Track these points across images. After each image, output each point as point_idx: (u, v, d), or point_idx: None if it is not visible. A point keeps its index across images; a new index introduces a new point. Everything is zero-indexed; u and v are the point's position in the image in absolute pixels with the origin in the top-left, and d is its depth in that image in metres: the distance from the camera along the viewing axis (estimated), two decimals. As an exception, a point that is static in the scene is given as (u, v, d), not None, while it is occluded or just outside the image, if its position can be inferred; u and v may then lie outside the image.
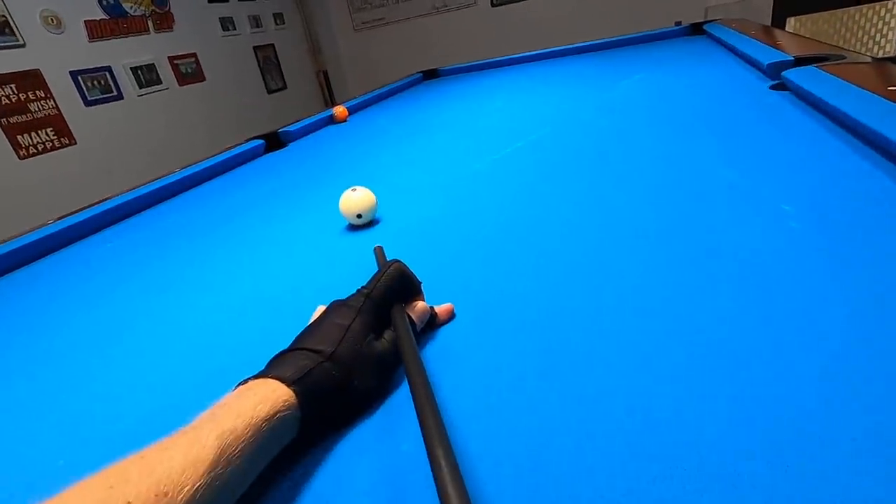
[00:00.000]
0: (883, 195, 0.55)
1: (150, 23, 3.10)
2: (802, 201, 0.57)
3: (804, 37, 1.45)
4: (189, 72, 3.37)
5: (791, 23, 3.89)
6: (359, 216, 0.76)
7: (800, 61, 1.09)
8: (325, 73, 4.79)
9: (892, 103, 0.68)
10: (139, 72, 3.02)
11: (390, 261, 0.45)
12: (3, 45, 2.46)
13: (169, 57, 3.23)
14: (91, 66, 2.77)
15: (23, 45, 2.54)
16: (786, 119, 0.87)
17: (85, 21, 2.75)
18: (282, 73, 4.28)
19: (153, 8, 3.12)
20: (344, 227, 0.80)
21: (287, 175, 1.29)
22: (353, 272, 0.62)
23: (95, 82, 2.79)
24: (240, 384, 0.34)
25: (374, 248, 0.61)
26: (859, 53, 1.05)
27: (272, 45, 4.17)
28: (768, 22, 3.83)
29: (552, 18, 4.30)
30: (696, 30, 2.29)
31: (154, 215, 1.14)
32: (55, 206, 2.55)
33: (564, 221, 0.66)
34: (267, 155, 1.58)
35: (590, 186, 0.77)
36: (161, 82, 3.17)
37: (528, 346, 0.42)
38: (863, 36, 3.80)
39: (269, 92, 4.13)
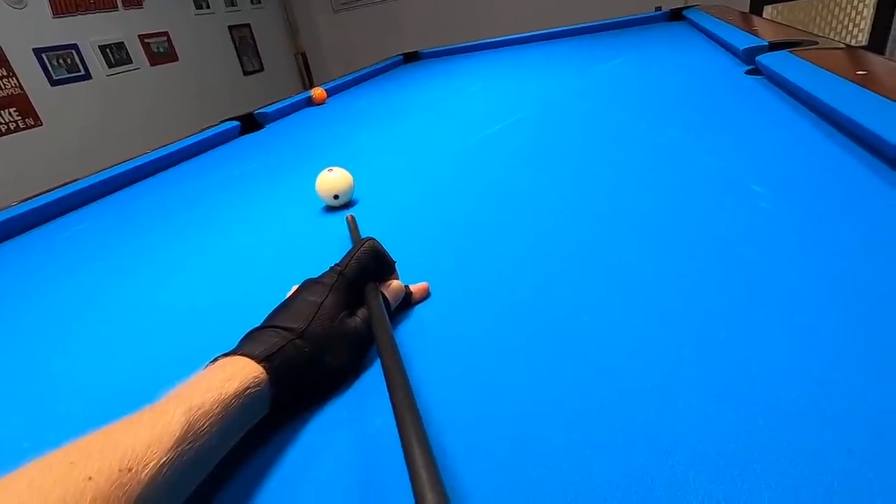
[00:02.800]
0: (848, 175, 0.57)
1: (118, -1, 2.98)
2: (773, 182, 0.59)
3: (780, 23, 1.47)
4: (161, 51, 3.26)
5: (768, 11, 3.93)
6: (335, 197, 0.75)
7: (774, 46, 1.11)
8: (304, 56, 4.68)
9: (859, 87, 0.70)
10: (108, 50, 2.91)
11: (364, 238, 0.45)
12: (-41, 19, 2.33)
13: (139, 35, 3.11)
14: (56, 44, 2.65)
15: (-19, 20, 2.41)
16: (759, 102, 0.89)
17: (48, -5, 2.62)
18: (259, 54, 4.17)
19: (121, -17, 2.99)
20: (321, 208, 0.79)
21: (263, 156, 1.26)
22: (329, 252, 0.62)
23: (61, 60, 2.67)
24: (210, 363, 0.34)
25: (347, 217, 0.62)
26: (831, 40, 1.07)
27: (248, 26, 4.05)
28: (746, 10, 3.87)
29: (534, 0, 4.27)
30: (676, 15, 2.30)
31: (125, 197, 1.11)
32: (21, 189, 2.46)
33: (542, 202, 0.66)
34: (243, 137, 1.54)
35: (568, 168, 0.77)
36: (131, 62, 3.06)
37: (505, 326, 0.42)
38: (836, 25, 3.88)
39: (246, 73, 4.03)
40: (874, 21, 3.73)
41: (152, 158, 1.25)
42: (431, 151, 1.01)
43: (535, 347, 0.38)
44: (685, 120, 0.90)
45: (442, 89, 1.73)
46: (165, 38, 3.29)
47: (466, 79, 1.87)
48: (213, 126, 1.53)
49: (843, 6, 3.81)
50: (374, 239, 0.45)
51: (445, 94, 1.62)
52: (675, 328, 0.37)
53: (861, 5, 3.76)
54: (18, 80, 2.54)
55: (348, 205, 0.78)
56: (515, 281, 0.48)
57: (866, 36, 3.81)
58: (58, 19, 2.66)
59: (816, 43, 1.05)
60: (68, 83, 2.73)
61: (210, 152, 1.40)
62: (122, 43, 3.00)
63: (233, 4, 3.90)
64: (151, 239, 0.82)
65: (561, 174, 0.75)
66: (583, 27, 2.48)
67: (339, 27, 4.92)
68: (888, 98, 0.63)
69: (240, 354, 0.33)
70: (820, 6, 3.86)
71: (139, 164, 1.22)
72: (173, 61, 3.35)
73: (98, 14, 2.85)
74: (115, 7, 2.95)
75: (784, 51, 1.01)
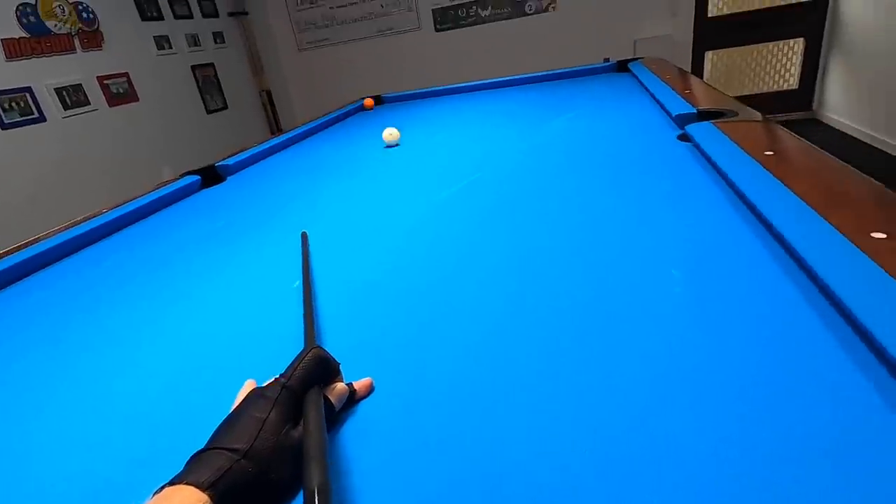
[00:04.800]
0: (756, 266, 0.63)
1: (76, 41, 2.95)
2: (689, 266, 0.65)
3: (711, 87, 1.60)
4: (120, 92, 3.23)
5: (709, 56, 4.24)
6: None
7: (701, 115, 1.22)
8: (269, 93, 4.71)
9: (763, 169, 0.78)
10: (64, 93, 2.87)
11: (308, 347, 0.47)
12: None
13: (98, 77, 3.08)
14: (8, 87, 2.60)
15: (-71, 64, 2.35)
16: (686, 174, 0.97)
17: (2, 39, 2.58)
18: (222, 92, 4.17)
19: (80, 26, 2.98)
20: (272, 282, 0.81)
21: (224, 214, 1.27)
22: (287, 330, 0.64)
23: (14, 104, 2.62)
24: (156, 492, 0.35)
25: (301, 234, 0.70)
26: (752, 110, 1.18)
27: (212, 65, 4.06)
28: (689, 55, 4.16)
29: (493, 45, 4.47)
30: (623, 67, 2.46)
31: (80, 263, 1.10)
32: (-34, 238, 2.35)
33: (477, 282, 0.71)
34: (204, 191, 1.55)
35: (507, 241, 0.82)
36: (89, 103, 3.02)
37: (452, 424, 0.46)
38: (770, 70, 4.20)
39: (209, 112, 4.02)
40: (803, 67, 4.07)
41: (109, 220, 1.25)
42: (387, 214, 1.05)
43: (480, 445, 0.42)
44: (620, 188, 0.97)
45: (403, 141, 1.79)
46: (125, 79, 3.26)
47: (425, 129, 1.93)
48: (173, 181, 1.53)
49: (774, 53, 4.14)
50: (318, 347, 0.48)
51: (404, 147, 1.68)
52: (595, 407, 0.42)
53: (791, 52, 4.10)
54: (-33, 124, 2.47)
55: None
56: (459, 370, 0.52)
57: (797, 80, 4.15)
58: (11, 63, 2.62)
59: (737, 114, 1.15)
60: (21, 126, 2.67)
61: (171, 208, 1.40)
62: (80, 84, 2.96)
63: (196, 44, 3.92)
64: (106, 313, 0.82)
65: (499, 247, 0.80)
66: (541, 75, 2.62)
67: (305, 65, 4.99)
68: (786, 185, 0.71)
69: (186, 482, 0.35)
70: (755, 52, 4.19)
71: (95, 225, 1.21)
72: (133, 101, 3.32)
73: (54, 57, 2.82)
74: (72, 49, 2.93)
75: (709, 122, 1.11)
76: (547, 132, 1.51)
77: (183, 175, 1.59)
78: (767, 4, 3.95)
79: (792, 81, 4.16)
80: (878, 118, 3.32)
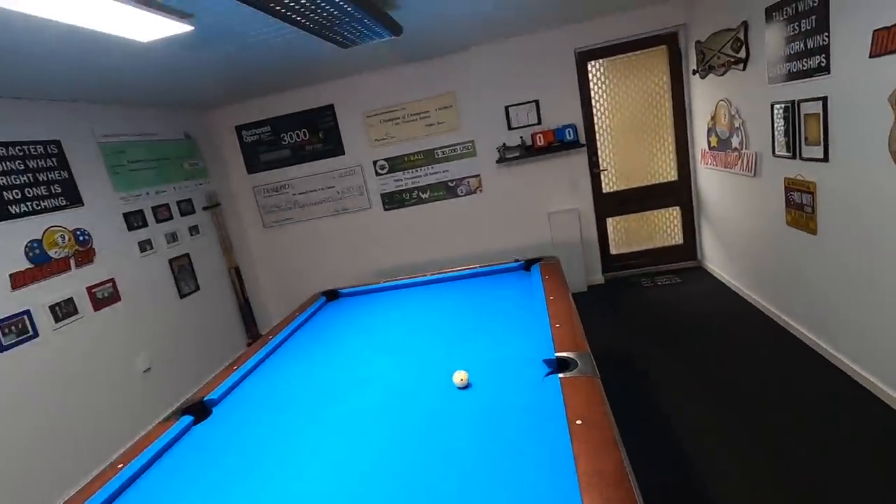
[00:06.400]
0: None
1: (72, 261, 3.43)
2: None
3: (576, 320, 2.19)
4: (105, 296, 3.66)
5: (610, 221, 5.18)
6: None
7: (559, 362, 1.77)
8: (237, 269, 5.25)
9: (568, 440, 1.29)
10: (56, 308, 3.27)
11: None
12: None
13: (87, 287, 3.52)
14: (10, 314, 2.99)
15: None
16: (538, 427, 1.48)
17: (10, 274, 3.03)
18: (195, 276, 4.67)
19: (76, 248, 3.48)
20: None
21: (213, 464, 1.66)
22: None
23: (12, 328, 2.99)
24: None
25: None
26: (592, 363, 1.73)
27: (187, 254, 4.60)
28: (594, 221, 5.07)
29: (432, 221, 5.30)
30: (529, 265, 3.15)
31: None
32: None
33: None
34: (194, 429, 1.94)
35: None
36: (77, 312, 3.42)
37: None
38: (659, 230, 5.16)
39: (182, 296, 4.46)
40: (683, 228, 5.05)
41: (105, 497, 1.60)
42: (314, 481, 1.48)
43: None
44: (484, 432, 1.46)
45: (350, 357, 2.26)
46: (111, 284, 3.72)
47: (366, 345, 2.42)
48: (172, 425, 1.92)
49: (660, 218, 5.13)
50: None
51: (347, 375, 2.15)
52: None
53: (672, 217, 5.09)
54: (-33, 352, 2.79)
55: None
56: None
57: (681, 237, 5.09)
58: (15, 292, 3.04)
59: (578, 365, 1.71)
60: (16, 346, 3.01)
61: (170, 452, 1.78)
62: (71, 298, 3.39)
63: (175, 240, 4.49)
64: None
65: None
66: (465, 274, 3.27)
67: (270, 241, 5.65)
68: (575, 461, 1.22)
69: None
70: (645, 217, 5.16)
71: None
72: (116, 302, 3.74)
73: (52, 279, 3.27)
74: (68, 269, 3.40)
75: (557, 375, 1.65)
76: (451, 363, 2.04)
77: (178, 414, 1.99)
78: (646, 183, 5.00)
79: (678, 238, 5.11)
80: (747, 278, 4.15)
